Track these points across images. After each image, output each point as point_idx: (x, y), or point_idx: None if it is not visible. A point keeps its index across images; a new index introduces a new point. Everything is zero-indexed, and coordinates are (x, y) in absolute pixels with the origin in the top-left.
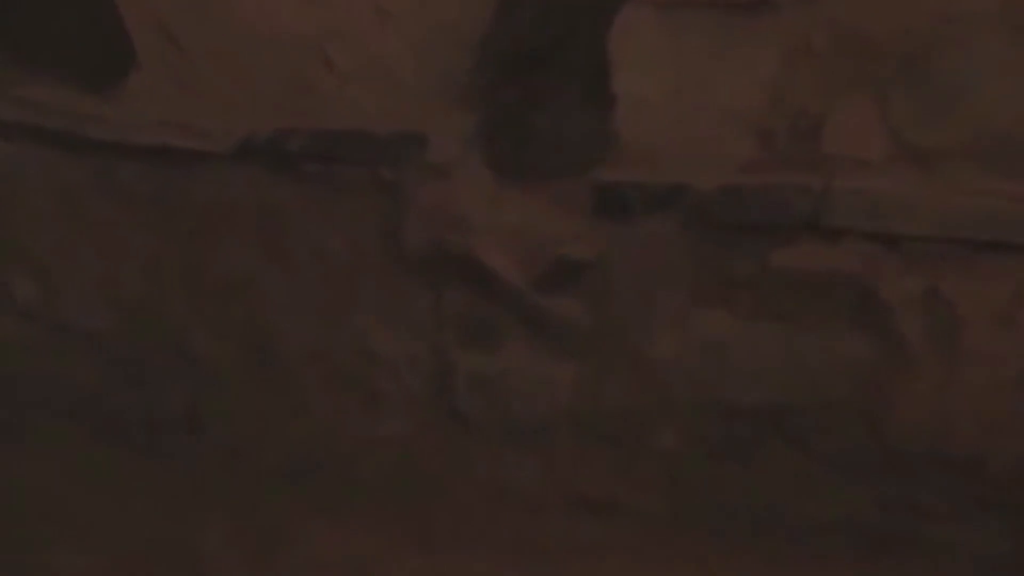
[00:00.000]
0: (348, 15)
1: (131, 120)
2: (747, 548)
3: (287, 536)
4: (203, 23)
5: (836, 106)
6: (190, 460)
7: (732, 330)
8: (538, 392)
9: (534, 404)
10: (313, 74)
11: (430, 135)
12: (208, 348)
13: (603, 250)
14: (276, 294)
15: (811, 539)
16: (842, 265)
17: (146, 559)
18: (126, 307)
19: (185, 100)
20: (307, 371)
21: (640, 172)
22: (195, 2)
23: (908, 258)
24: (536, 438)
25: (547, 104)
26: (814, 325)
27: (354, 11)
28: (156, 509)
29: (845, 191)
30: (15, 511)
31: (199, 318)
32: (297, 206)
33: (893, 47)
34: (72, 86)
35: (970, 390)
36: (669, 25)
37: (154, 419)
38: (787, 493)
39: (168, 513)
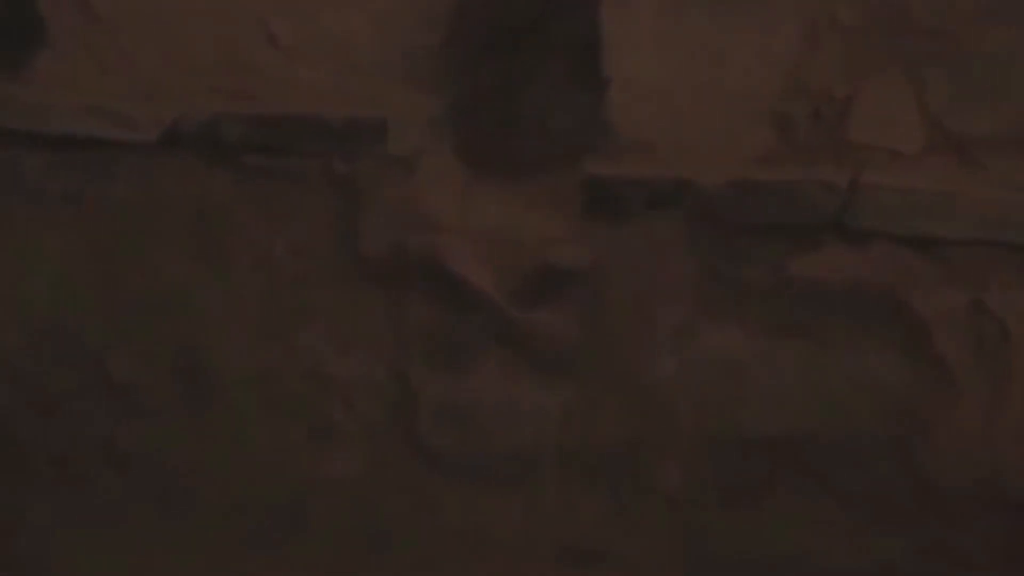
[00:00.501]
0: None
1: (40, 105)
2: None
3: None
4: None
5: (865, 89)
6: (111, 499)
7: (745, 349)
8: (518, 423)
9: (514, 437)
10: (255, 50)
11: (391, 121)
12: (131, 371)
13: (594, 256)
14: (211, 307)
15: None
16: (871, 273)
17: None
18: (34, 323)
19: (104, 81)
20: (247, 397)
21: (637, 166)
22: None
23: (948, 265)
24: (517, 477)
25: (529, 86)
26: (839, 343)
27: None
28: (71, 554)
29: (875, 187)
30: None
31: (121, 336)
32: (236, 204)
33: (931, 21)
34: None
35: (1020, 419)
36: None
37: (69, 453)
38: (809, 539)
39: (86, 559)
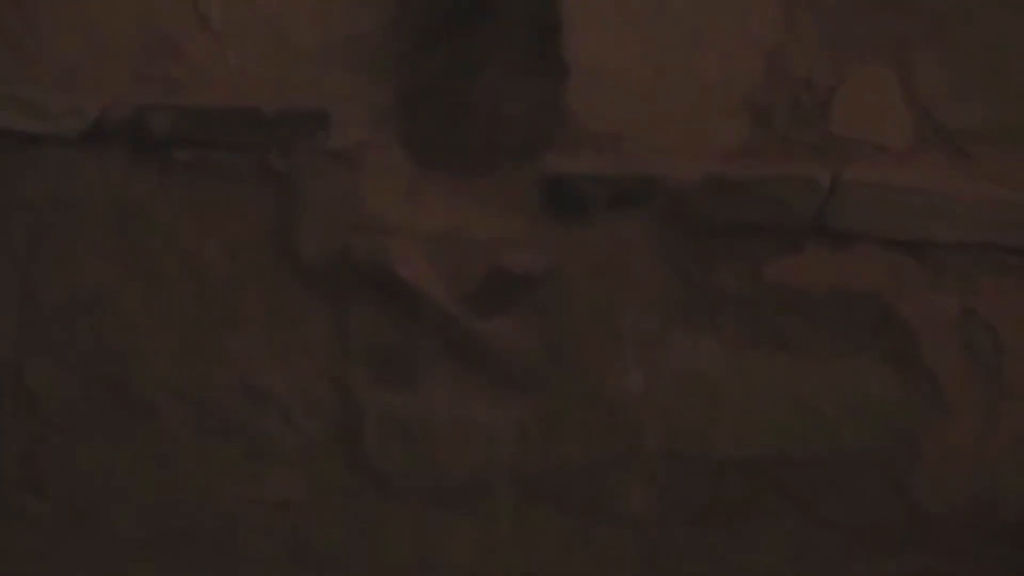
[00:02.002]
0: None
1: None
2: None
3: None
4: None
5: (850, 77)
6: (27, 524)
7: (718, 361)
8: (471, 442)
9: (466, 457)
10: (183, 36)
11: (332, 113)
12: (49, 384)
13: (553, 260)
14: (136, 315)
15: None
16: (856, 278)
17: None
18: None
19: (19, 69)
20: (174, 413)
21: (600, 161)
22: None
23: (938, 269)
24: (470, 501)
25: (481, 73)
26: (821, 354)
27: None
28: None
29: (860, 185)
30: None
31: (37, 345)
32: (163, 203)
33: (922, 3)
34: None
35: (1017, 437)
36: None
37: None
38: (788, 567)
39: None
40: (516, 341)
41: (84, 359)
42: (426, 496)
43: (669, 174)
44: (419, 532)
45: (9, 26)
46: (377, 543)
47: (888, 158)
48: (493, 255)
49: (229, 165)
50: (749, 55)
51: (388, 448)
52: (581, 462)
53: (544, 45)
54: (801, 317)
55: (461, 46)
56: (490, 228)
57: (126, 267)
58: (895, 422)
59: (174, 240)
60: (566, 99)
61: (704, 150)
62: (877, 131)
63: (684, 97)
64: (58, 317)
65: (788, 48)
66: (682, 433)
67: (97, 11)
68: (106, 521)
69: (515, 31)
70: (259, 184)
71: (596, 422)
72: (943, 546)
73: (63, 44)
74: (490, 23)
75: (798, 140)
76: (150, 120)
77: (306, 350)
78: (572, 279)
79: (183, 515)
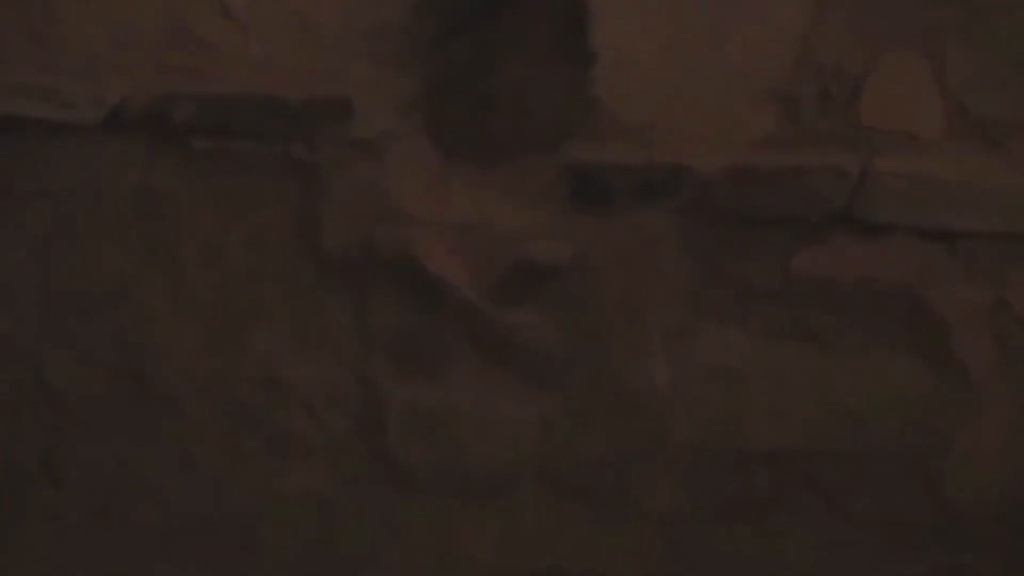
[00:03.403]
0: None
1: None
2: None
3: None
4: None
5: (880, 65)
6: (47, 518)
7: (746, 354)
8: (495, 435)
9: (490, 450)
10: (205, 24)
11: (356, 102)
12: (69, 377)
13: (579, 250)
14: (157, 307)
15: None
16: (886, 270)
17: None
18: None
19: (38, 56)
20: (196, 406)
21: (626, 150)
22: None
23: (970, 261)
24: (493, 494)
25: (507, 63)
26: (850, 347)
27: None
28: None
29: (890, 175)
30: None
31: (57, 339)
32: (184, 193)
33: None
34: None
35: None
36: None
37: (0, 466)
38: (815, 563)
39: None
40: (541, 333)
41: (104, 351)
42: (449, 490)
43: (696, 164)
44: (442, 527)
45: (29, 14)
46: (399, 537)
47: (919, 148)
48: (519, 246)
49: (251, 155)
50: (777, 43)
51: (411, 442)
52: (606, 456)
53: (570, 34)
54: (830, 310)
55: (486, 35)
56: (515, 218)
57: (147, 258)
58: (925, 416)
59: (195, 231)
60: (592, 88)
61: (732, 140)
62: (908, 120)
63: (711, 86)
64: (78, 309)
65: (817, 36)
66: (709, 427)
67: None
68: (127, 516)
69: (540, 20)
70: (282, 174)
71: (622, 416)
72: (974, 542)
73: (84, 32)
74: (515, 11)
75: (827, 130)
76: (172, 109)
77: (329, 343)
78: (598, 270)
79: (204, 509)
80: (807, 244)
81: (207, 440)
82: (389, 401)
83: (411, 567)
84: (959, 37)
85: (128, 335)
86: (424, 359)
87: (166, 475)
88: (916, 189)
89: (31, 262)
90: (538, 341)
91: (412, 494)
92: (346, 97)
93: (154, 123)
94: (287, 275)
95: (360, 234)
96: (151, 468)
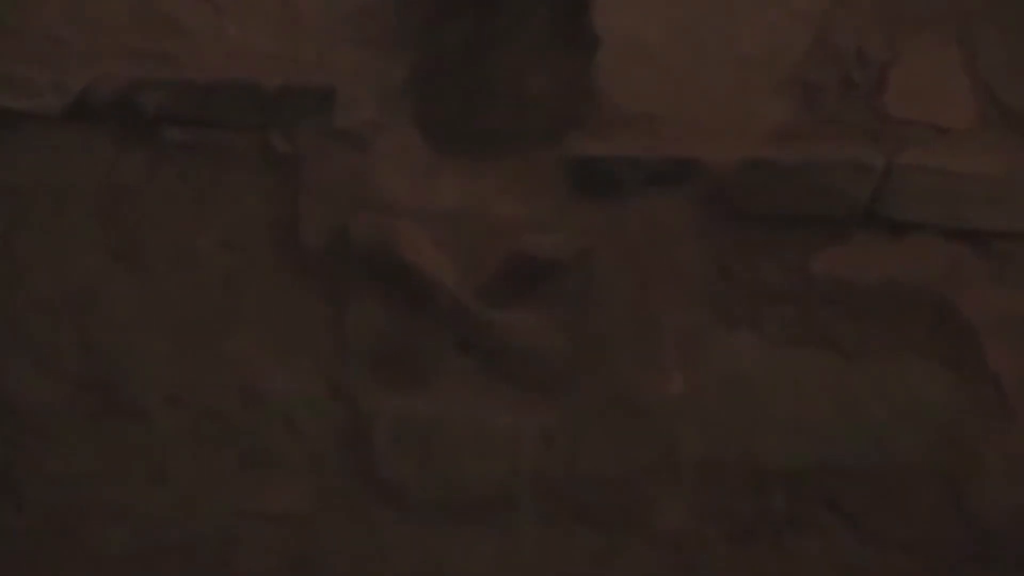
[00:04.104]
0: None
1: None
2: None
3: None
4: None
5: (905, 52)
6: (4, 539)
7: (761, 361)
8: (490, 449)
9: (484, 466)
10: (178, 6)
11: (339, 90)
12: (29, 386)
13: (582, 244)
14: (124, 311)
15: None
16: (911, 271)
17: None
18: None
19: None
20: (166, 418)
21: (632, 142)
22: None
23: (1001, 262)
24: (489, 514)
25: (502, 47)
26: (873, 354)
27: None
28: None
29: (916, 170)
30: None
31: (16, 345)
32: (154, 187)
33: None
34: None
35: None
36: None
37: None
38: None
39: None
40: (540, 336)
41: (68, 359)
42: (440, 509)
43: (707, 158)
44: (433, 548)
45: None
46: (386, 561)
47: (947, 141)
48: (514, 238)
49: (226, 146)
50: (794, 27)
51: (398, 456)
52: (611, 472)
53: (571, 17)
54: (851, 313)
55: (481, 18)
56: (510, 208)
57: (113, 258)
58: (953, 428)
59: (166, 229)
60: (595, 76)
61: (746, 132)
62: (935, 111)
63: (723, 73)
64: (40, 313)
65: (837, 20)
66: (722, 440)
67: None
68: (91, 536)
69: (540, 2)
70: (259, 168)
71: (628, 427)
72: (1005, 563)
73: (45, 14)
74: None
75: (849, 121)
76: (140, 96)
77: (309, 349)
78: (602, 267)
79: (175, 529)
80: (827, 244)
81: (178, 455)
82: (374, 412)
83: None
84: (991, 21)
85: (94, 341)
86: (411, 365)
87: (134, 493)
88: (944, 185)
89: None
90: (536, 345)
91: (400, 513)
92: (328, 84)
93: (121, 112)
94: (264, 277)
95: (342, 230)
96: (118, 485)
